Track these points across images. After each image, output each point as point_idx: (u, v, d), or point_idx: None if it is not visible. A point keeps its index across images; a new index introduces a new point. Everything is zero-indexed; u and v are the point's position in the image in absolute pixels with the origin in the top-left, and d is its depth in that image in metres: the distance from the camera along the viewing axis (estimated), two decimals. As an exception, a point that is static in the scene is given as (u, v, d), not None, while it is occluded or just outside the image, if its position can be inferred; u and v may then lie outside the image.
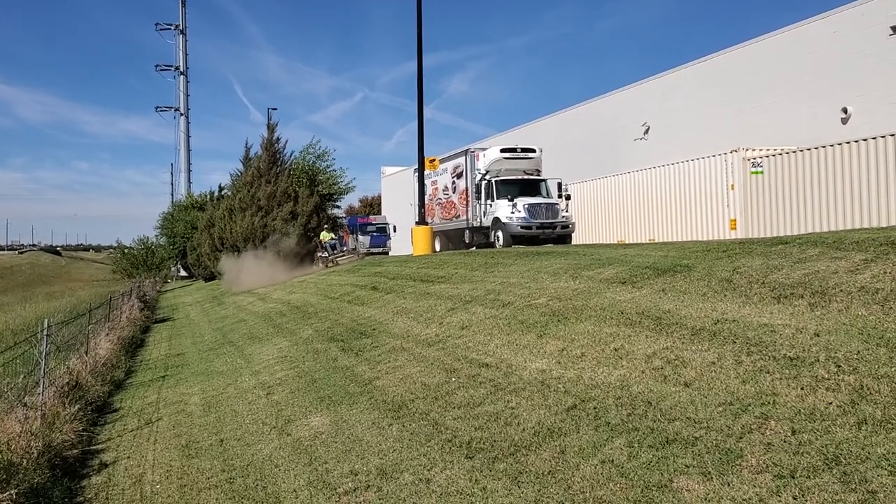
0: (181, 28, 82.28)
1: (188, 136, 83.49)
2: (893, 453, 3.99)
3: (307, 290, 23.18)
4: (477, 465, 5.63)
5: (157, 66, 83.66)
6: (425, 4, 26.77)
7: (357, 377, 9.66)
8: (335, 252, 34.43)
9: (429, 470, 5.84)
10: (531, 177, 24.78)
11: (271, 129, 38.34)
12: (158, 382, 14.02)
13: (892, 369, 4.83)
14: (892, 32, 20.53)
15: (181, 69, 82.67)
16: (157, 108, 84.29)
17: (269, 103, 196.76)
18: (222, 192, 54.97)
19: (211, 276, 45.00)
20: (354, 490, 5.94)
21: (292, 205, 35.13)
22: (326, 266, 31.96)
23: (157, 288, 49.75)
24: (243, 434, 8.75)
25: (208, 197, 60.50)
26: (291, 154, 39.66)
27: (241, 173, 39.97)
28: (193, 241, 51.76)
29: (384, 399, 8.21)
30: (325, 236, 35.42)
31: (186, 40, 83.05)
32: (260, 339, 16.35)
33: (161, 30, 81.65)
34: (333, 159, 47.23)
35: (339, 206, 44.10)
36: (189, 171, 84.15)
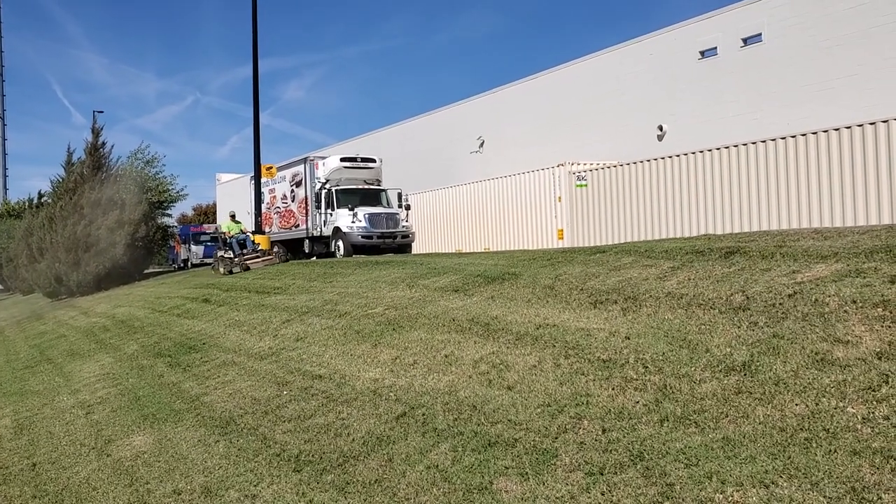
0: (-7, 22, 76.10)
1: (4, 140, 77.81)
2: (690, 447, 4.30)
3: (134, 302, 22.00)
4: (305, 478, 5.56)
5: (-36, 62, 77.02)
6: (259, 10, 26.26)
7: (184, 393, 9.28)
8: (244, 252, 23.64)
9: (255, 486, 5.70)
10: (371, 186, 24.87)
11: (96, 132, 36.19)
12: (-39, 407, 12.81)
13: (692, 369, 5.23)
14: (700, 57, 22.38)
15: (-6, 67, 76.51)
16: (-34, 108, 77.76)
17: (92, 106, 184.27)
18: (42, 200, 51.49)
19: (30, 290, 41.95)
20: (176, 511, 5.70)
21: (119, 213, 33.14)
22: (231, 272, 22.72)
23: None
24: (59, 457, 8.21)
25: (26, 204, 56.52)
26: (118, 159, 37.58)
27: (63, 179, 37.55)
28: (10, 251, 48.02)
29: (212, 415, 7.94)
30: (232, 228, 24.47)
31: (1, 36, 77.10)
32: (81, 355, 15.35)
33: (-32, 23, 75.20)
34: (163, 165, 45.11)
35: (170, 215, 42.24)
36: (5, 176, 78.70)
